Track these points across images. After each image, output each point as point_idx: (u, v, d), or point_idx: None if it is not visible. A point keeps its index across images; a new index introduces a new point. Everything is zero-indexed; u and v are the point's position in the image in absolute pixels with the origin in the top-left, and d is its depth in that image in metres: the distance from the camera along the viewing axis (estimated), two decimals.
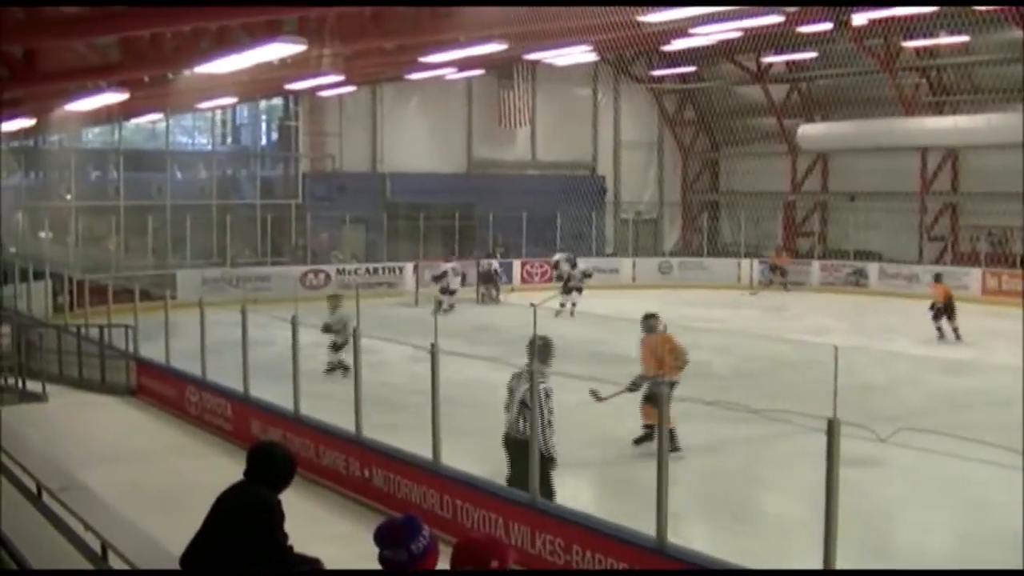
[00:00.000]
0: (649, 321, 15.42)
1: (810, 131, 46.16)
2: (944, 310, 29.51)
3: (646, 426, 14.74)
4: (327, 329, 22.13)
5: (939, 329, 29.34)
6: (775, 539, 11.88)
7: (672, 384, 12.26)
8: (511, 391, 12.00)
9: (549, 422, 11.39)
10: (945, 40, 37.65)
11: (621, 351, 19.72)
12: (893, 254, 42.45)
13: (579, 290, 34.80)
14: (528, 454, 11.01)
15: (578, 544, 10.10)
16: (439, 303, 33.89)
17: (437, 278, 36.71)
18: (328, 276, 40.07)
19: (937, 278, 31.25)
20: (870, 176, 43.32)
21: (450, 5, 18.93)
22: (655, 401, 12.05)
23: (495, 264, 40.52)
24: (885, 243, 42.74)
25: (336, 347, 22.09)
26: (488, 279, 39.49)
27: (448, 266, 37.06)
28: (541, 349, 11.73)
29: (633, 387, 14.10)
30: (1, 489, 11.44)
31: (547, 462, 11.35)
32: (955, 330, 29.20)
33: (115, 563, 9.35)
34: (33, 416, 19.13)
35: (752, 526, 12.81)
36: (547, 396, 11.39)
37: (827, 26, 33.35)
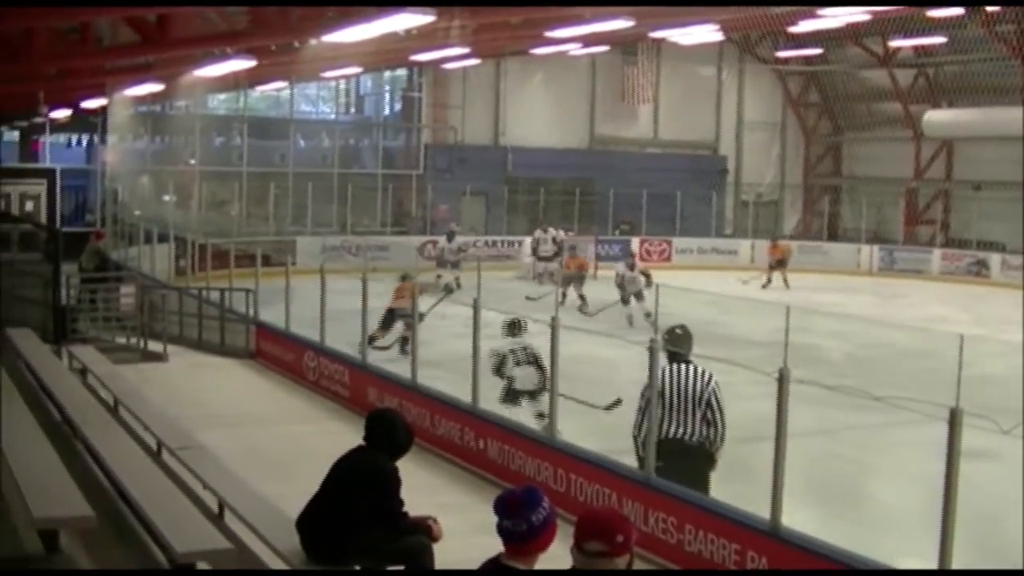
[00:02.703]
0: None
1: (936, 117, 45.36)
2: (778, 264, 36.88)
3: None
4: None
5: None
6: (886, 528, 11.73)
7: None
8: (674, 386, 10.61)
9: (722, 422, 10.54)
10: None
11: (733, 331, 19.65)
12: (1017, 245, 41.61)
13: (455, 264, 34.06)
14: (688, 459, 10.54)
15: (691, 523, 10.06)
16: (540, 274, 33.84)
17: (544, 258, 36.29)
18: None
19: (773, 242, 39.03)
20: (996, 165, 42.41)
21: None
22: None
23: (559, 236, 37.81)
24: (1009, 234, 41.86)
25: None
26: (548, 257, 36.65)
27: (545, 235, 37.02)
28: (682, 339, 10.91)
29: None
30: (123, 445, 11.65)
31: (712, 463, 10.72)
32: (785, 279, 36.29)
33: (231, 522, 9.50)
34: (154, 375, 19.42)
35: (864, 513, 12.66)
36: (719, 389, 10.58)
37: (958, 11, 32.81)
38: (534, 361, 15.08)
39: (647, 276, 26.93)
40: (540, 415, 14.71)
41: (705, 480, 10.60)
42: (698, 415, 10.43)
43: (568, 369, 12.89)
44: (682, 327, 10.93)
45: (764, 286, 36.42)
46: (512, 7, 19.30)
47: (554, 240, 36.95)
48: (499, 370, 15.15)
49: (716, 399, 10.45)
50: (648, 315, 29.49)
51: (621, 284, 26.92)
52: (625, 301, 26.91)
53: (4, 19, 15.26)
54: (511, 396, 14.98)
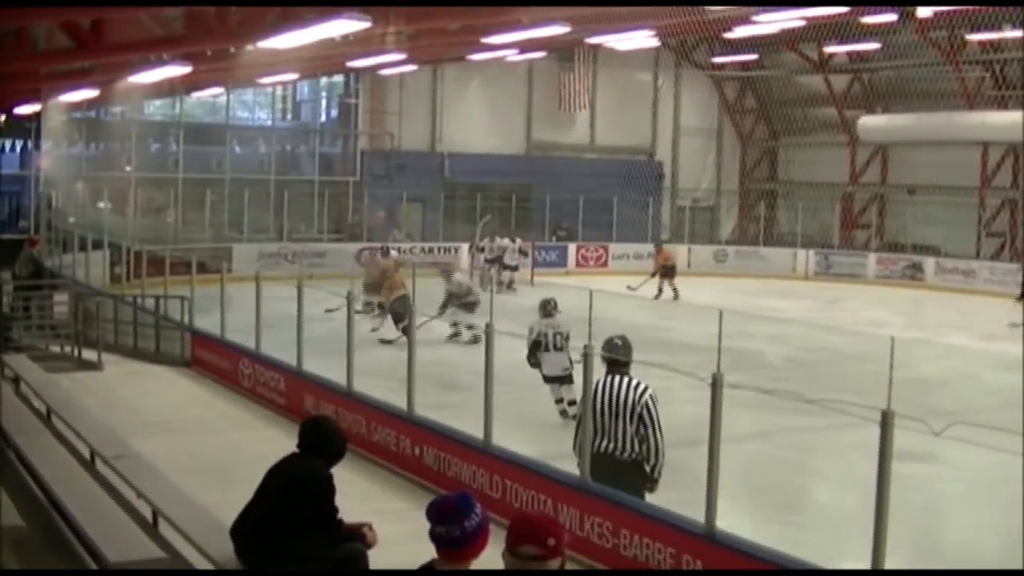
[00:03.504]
0: None
1: (870, 122, 45.87)
2: (666, 272, 35.94)
3: None
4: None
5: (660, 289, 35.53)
6: (824, 529, 11.82)
7: None
8: (606, 399, 10.31)
9: (656, 437, 10.18)
10: (1010, 34, 37.26)
11: (672, 336, 19.70)
12: (951, 249, 42.08)
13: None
14: (619, 475, 10.31)
15: (626, 528, 10.08)
16: (500, 283, 33.94)
17: (491, 260, 36.69)
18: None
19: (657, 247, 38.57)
20: (930, 170, 42.86)
21: None
22: None
23: (507, 244, 38.20)
24: (943, 238, 42.38)
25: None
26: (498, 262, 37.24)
27: (507, 243, 37.26)
28: (621, 350, 10.58)
29: None
30: (56, 455, 11.56)
31: (650, 483, 10.41)
32: (675, 290, 35.54)
33: (165, 531, 9.43)
34: (88, 384, 19.27)
35: (801, 516, 12.75)
36: (655, 404, 10.23)
37: (891, 17, 33.09)
38: (564, 347, 16.26)
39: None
40: (572, 403, 15.91)
41: (638, 497, 10.38)
42: (629, 430, 10.16)
43: (505, 375, 12.90)
44: (621, 337, 10.69)
45: (656, 297, 34.94)
46: (452, 6, 19.23)
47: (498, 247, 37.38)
48: (533, 354, 16.40)
49: (649, 413, 10.13)
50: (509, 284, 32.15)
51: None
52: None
53: None
54: (547, 380, 16.61)
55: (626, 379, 10.33)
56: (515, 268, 36.86)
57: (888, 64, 43.89)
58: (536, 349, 16.49)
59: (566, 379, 16.49)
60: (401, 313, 21.57)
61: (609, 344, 10.59)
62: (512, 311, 17.93)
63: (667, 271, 36.19)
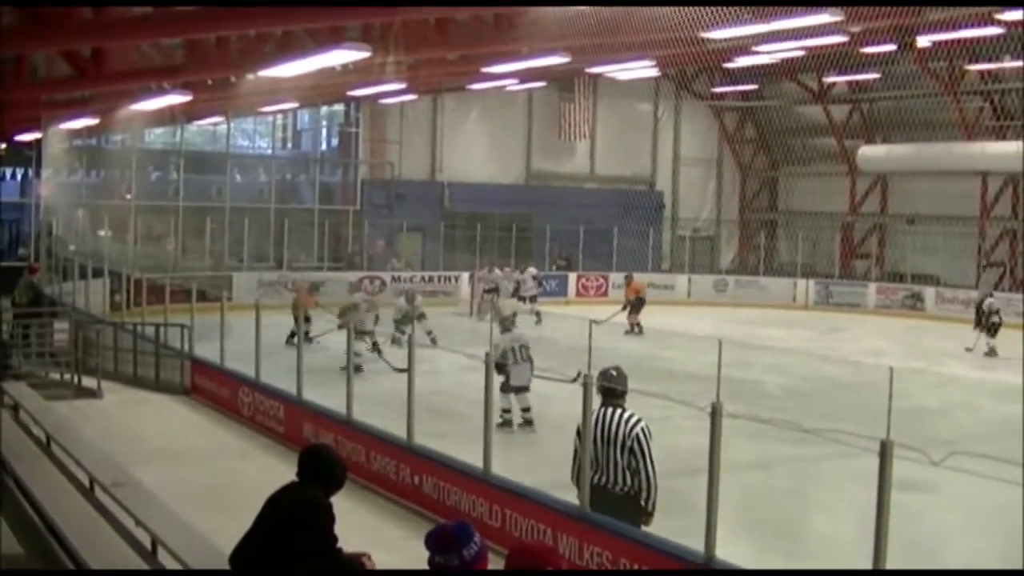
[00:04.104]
0: None
1: (870, 152, 46.00)
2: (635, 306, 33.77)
3: None
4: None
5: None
6: (822, 559, 11.80)
7: None
8: (599, 432, 10.15)
9: (648, 471, 10.01)
10: (1010, 64, 37.39)
11: (673, 366, 19.69)
12: (951, 279, 42.08)
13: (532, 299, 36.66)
14: (613, 509, 10.21)
15: (626, 558, 10.05)
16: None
17: (489, 291, 36.71)
18: (384, 283, 40.20)
19: (628, 279, 36.06)
20: (930, 199, 42.98)
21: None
22: None
23: (500, 275, 38.29)
24: (943, 267, 42.38)
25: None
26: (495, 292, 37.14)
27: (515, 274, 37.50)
28: (616, 381, 10.34)
29: None
30: (55, 482, 11.55)
31: (644, 516, 10.21)
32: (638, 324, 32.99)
33: (165, 559, 9.41)
34: (87, 412, 19.29)
35: (800, 545, 12.74)
36: (648, 437, 10.04)
37: (891, 47, 33.22)
38: (528, 359, 18.32)
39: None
40: (527, 409, 18.10)
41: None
42: (621, 462, 10.01)
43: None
44: (617, 368, 10.50)
45: (627, 332, 32.34)
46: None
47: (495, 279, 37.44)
48: (502, 367, 17.11)
49: (640, 446, 9.94)
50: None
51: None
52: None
53: None
54: (507, 389, 17.95)
55: (619, 411, 10.16)
56: (534, 299, 36.59)
57: (888, 94, 44.03)
58: (505, 361, 17.70)
59: (526, 389, 18.26)
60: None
61: (604, 375, 10.43)
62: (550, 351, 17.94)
63: (635, 305, 33.97)
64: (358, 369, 19.75)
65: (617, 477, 10.08)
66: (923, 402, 19.59)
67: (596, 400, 10.42)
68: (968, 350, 30.07)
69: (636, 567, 9.96)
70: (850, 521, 11.88)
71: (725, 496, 9.47)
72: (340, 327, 21.71)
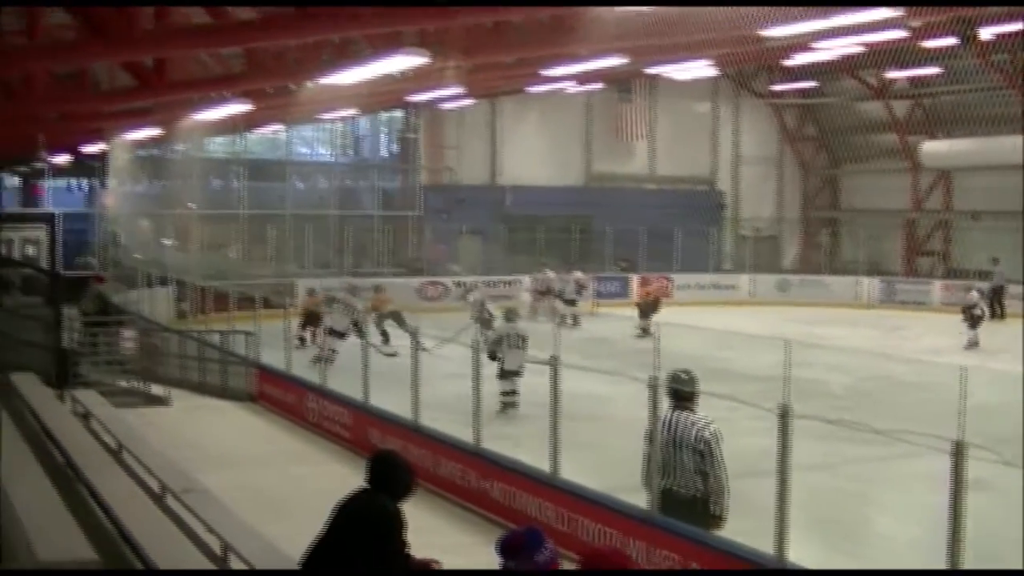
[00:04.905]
0: None
1: (933, 148, 45.57)
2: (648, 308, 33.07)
3: None
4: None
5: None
6: (888, 561, 11.72)
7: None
8: (669, 435, 10.01)
9: (717, 475, 9.80)
10: None
11: (730, 366, 19.61)
12: (1016, 275, 41.59)
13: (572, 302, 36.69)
14: (682, 512, 10.07)
15: (696, 561, 10.02)
16: (562, 316, 33.81)
17: (542, 293, 36.84)
18: (446, 287, 40.30)
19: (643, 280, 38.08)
20: (994, 194, 42.40)
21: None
22: None
23: (552, 277, 38.09)
24: (1008, 264, 41.87)
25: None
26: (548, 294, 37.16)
27: (568, 276, 37.43)
28: (686, 384, 10.12)
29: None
30: (126, 489, 11.66)
31: (714, 521, 10.04)
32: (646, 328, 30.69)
33: (235, 564, 9.48)
34: (155, 419, 19.45)
35: (867, 547, 12.65)
36: (718, 441, 9.83)
37: (952, 41, 32.89)
38: (523, 345, 19.96)
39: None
40: (512, 392, 19.77)
41: None
42: (690, 466, 9.81)
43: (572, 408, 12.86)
44: (687, 371, 10.24)
45: (638, 336, 30.25)
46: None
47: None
48: (494, 354, 19.16)
49: (710, 449, 9.71)
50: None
51: None
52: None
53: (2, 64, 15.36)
54: (503, 375, 19.69)
55: (689, 415, 9.98)
56: (574, 303, 36.64)
57: (949, 89, 43.50)
58: (498, 346, 19.69)
59: (519, 374, 19.76)
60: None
61: (674, 377, 10.24)
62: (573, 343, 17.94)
63: (647, 307, 32.89)
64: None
65: (687, 480, 9.92)
66: (986, 400, 19.39)
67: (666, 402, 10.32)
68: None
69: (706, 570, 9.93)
70: (917, 522, 11.80)
71: (792, 498, 9.43)
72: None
